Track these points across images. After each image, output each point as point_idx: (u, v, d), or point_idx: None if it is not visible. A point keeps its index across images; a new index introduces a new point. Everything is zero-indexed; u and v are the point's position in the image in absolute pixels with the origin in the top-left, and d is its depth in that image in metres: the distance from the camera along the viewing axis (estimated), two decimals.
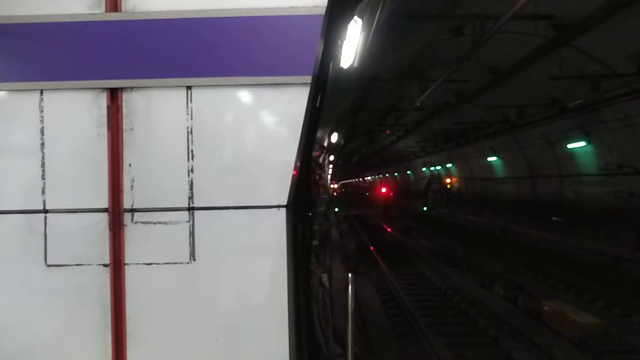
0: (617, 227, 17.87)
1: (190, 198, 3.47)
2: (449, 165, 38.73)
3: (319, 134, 12.58)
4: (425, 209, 43.35)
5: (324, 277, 7.66)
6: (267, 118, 3.52)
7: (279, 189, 3.48)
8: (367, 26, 6.46)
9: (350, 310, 4.11)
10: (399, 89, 22.43)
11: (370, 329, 12.23)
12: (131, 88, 3.46)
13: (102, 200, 3.46)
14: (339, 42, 5.29)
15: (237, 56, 3.42)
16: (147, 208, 3.47)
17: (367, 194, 69.12)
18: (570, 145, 20.21)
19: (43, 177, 3.47)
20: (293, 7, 3.40)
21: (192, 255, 3.47)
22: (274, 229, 3.49)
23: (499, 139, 25.94)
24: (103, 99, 3.46)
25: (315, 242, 9.37)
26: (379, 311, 13.98)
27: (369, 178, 76.12)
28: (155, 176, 3.48)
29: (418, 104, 20.45)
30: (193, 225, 3.47)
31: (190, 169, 3.46)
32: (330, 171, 39.65)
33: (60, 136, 3.47)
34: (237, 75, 3.44)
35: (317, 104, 4.10)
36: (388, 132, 33.85)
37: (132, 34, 3.43)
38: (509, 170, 27.69)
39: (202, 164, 3.47)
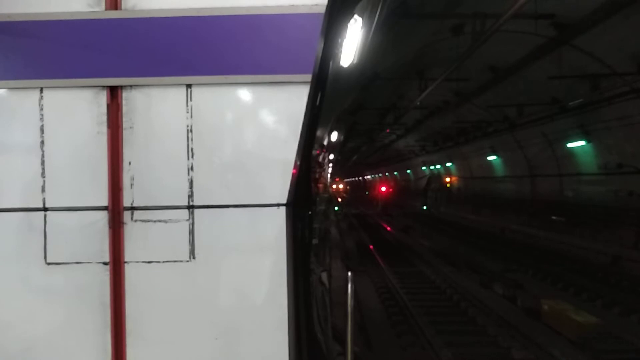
0: (616, 226, 17.88)
1: (190, 196, 3.47)
2: (448, 164, 38.74)
3: (319, 133, 12.58)
4: (424, 208, 43.37)
5: (324, 275, 7.65)
6: (267, 116, 3.52)
7: (279, 188, 3.49)
8: (367, 25, 6.46)
9: (349, 308, 4.11)
10: (398, 87, 22.44)
11: (370, 327, 12.23)
12: (131, 86, 3.46)
13: (102, 198, 3.46)
14: (339, 40, 5.29)
15: (237, 54, 3.42)
16: (147, 206, 3.47)
17: (366, 192, 69.15)
18: (570, 145, 20.23)
19: (43, 175, 3.47)
20: (293, 5, 3.40)
21: (192, 253, 3.48)
22: (273, 228, 3.49)
23: (499, 138, 25.95)
24: (103, 97, 3.46)
25: (314, 241, 9.37)
26: (379, 310, 13.99)
27: (368, 177, 76.12)
28: (155, 174, 3.48)
29: (418, 103, 20.47)
30: (193, 224, 3.48)
31: (190, 167, 3.47)
32: (330, 170, 39.66)
33: (60, 134, 3.47)
34: (237, 74, 3.44)
35: (317, 103, 4.10)
36: (388, 130, 33.86)
37: (132, 32, 3.43)
38: (509, 169, 27.71)
39: (201, 163, 3.47)
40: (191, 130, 3.46)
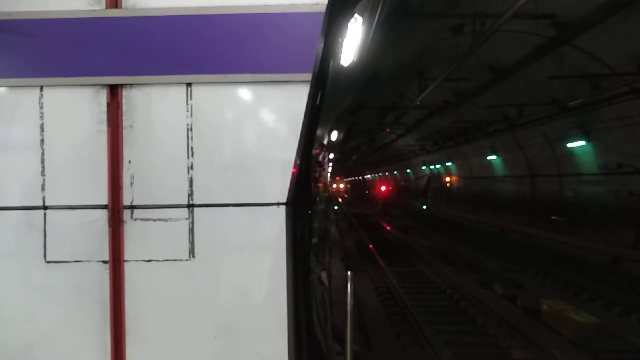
0: (616, 226, 17.88)
1: (190, 195, 3.47)
2: (448, 163, 38.73)
3: (319, 132, 12.58)
4: (424, 207, 43.35)
5: (323, 274, 7.65)
6: (267, 115, 3.52)
7: (279, 187, 3.48)
8: (367, 24, 6.46)
9: (349, 308, 4.11)
10: (399, 87, 22.44)
11: (369, 327, 12.23)
12: (131, 85, 3.46)
13: (102, 196, 3.46)
14: (340, 40, 5.29)
15: (237, 53, 3.42)
16: (147, 205, 3.47)
17: (366, 192, 69.14)
18: (569, 145, 20.22)
19: (43, 173, 3.46)
20: (293, 4, 3.40)
21: (192, 252, 3.48)
22: (273, 227, 3.49)
23: (499, 138, 25.94)
24: (103, 96, 3.46)
25: (314, 240, 9.37)
26: (378, 309, 13.98)
27: (368, 176, 76.12)
28: (155, 173, 3.48)
29: (418, 103, 20.46)
30: (192, 223, 3.47)
31: (190, 166, 3.46)
32: (330, 169, 39.65)
33: (60, 133, 3.47)
34: (237, 73, 3.44)
35: (317, 102, 4.10)
36: (388, 130, 33.85)
37: (132, 30, 3.43)
38: (509, 169, 27.70)
39: (201, 161, 3.47)
40: (191, 129, 3.46)
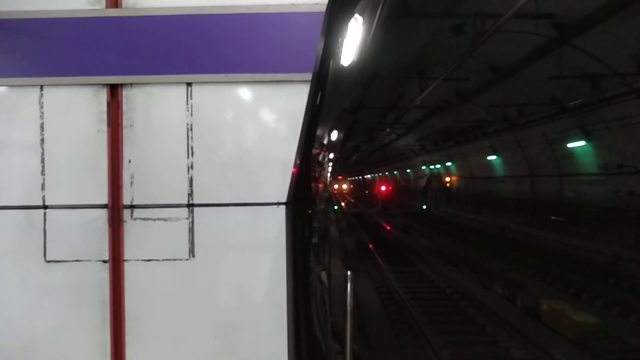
0: (616, 226, 17.89)
1: (190, 195, 3.46)
2: (448, 163, 38.74)
3: (319, 132, 12.58)
4: (424, 207, 43.37)
5: (323, 274, 7.66)
6: (267, 115, 3.52)
7: (279, 186, 3.48)
8: (367, 24, 6.47)
9: (349, 307, 4.11)
10: (399, 87, 22.45)
11: (369, 326, 12.24)
12: (131, 84, 3.46)
13: (102, 196, 3.45)
14: (340, 39, 5.29)
15: (237, 53, 3.42)
16: (147, 204, 3.47)
17: (366, 192, 69.15)
18: (569, 145, 20.23)
19: (43, 172, 3.46)
20: (294, 4, 3.40)
21: (192, 251, 3.47)
22: (273, 226, 3.49)
23: (499, 138, 25.95)
24: (103, 95, 3.45)
25: (314, 240, 9.37)
26: (378, 309, 13.99)
27: (368, 176, 76.11)
28: (155, 172, 3.48)
29: (418, 102, 20.47)
30: (192, 222, 3.47)
31: (190, 165, 3.46)
32: (330, 169, 39.65)
33: (60, 132, 3.47)
34: (238, 72, 3.43)
35: (318, 102, 4.10)
36: (388, 130, 33.87)
37: (132, 30, 3.43)
38: (509, 169, 27.71)
39: (201, 161, 3.46)
40: (191, 129, 3.46)
